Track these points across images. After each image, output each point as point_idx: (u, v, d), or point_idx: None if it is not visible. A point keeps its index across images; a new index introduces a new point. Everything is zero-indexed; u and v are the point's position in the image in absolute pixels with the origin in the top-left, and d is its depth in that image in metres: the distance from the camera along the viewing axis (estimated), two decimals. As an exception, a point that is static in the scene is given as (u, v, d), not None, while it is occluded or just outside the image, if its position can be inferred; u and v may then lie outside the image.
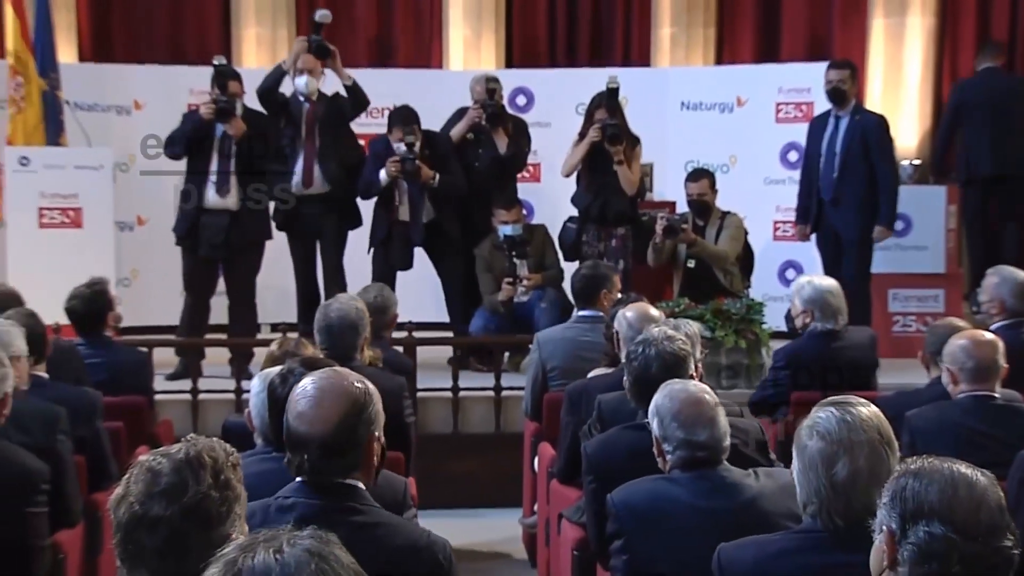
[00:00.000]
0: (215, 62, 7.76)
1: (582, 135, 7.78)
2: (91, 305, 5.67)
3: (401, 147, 7.55)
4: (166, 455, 2.28)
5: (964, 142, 9.13)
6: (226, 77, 7.64)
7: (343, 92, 7.93)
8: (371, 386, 2.87)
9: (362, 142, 8.19)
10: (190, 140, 7.62)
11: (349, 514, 2.69)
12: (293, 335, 5.28)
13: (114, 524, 2.25)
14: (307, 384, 2.82)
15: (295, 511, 2.70)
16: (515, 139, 8.09)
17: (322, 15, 7.88)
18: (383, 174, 7.64)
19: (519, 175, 8.40)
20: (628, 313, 4.84)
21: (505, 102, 8.63)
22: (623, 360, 4.19)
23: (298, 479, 2.78)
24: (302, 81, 7.76)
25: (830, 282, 5.76)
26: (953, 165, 9.58)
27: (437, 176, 7.69)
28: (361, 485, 2.79)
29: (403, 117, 7.71)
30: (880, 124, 7.91)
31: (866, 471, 2.66)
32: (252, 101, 7.84)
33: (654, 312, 4.91)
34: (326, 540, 1.72)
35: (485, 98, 7.98)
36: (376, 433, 2.83)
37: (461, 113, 8.11)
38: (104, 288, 5.79)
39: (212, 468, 2.26)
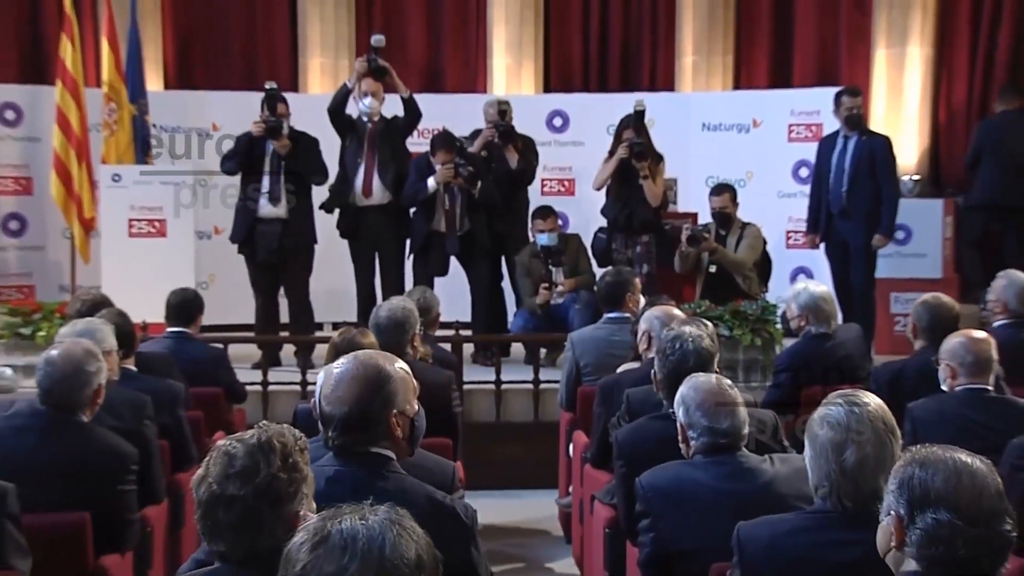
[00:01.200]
0: (266, 86, 7.82)
1: (612, 152, 7.81)
2: (186, 301, 5.76)
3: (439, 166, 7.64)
4: (241, 440, 2.30)
5: (982, 175, 9.12)
6: (275, 100, 7.70)
7: (400, 114, 7.96)
8: (389, 369, 2.83)
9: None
10: (242, 157, 7.69)
11: (377, 479, 2.69)
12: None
13: (196, 502, 2.28)
14: (332, 369, 2.83)
15: (328, 475, 2.70)
16: (524, 155, 8.14)
17: (377, 39, 7.98)
18: (432, 181, 7.68)
19: (555, 190, 8.42)
20: (657, 313, 4.84)
21: (542, 123, 8.68)
22: (654, 355, 4.16)
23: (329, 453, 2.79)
24: (366, 103, 7.83)
25: (823, 289, 5.74)
26: (952, 183, 9.69)
27: (479, 185, 7.74)
28: (390, 454, 2.78)
29: (446, 141, 7.77)
30: (885, 144, 7.92)
31: (872, 458, 2.66)
32: (303, 123, 7.88)
33: (679, 313, 4.90)
34: (402, 513, 1.75)
35: (497, 119, 8.02)
36: (395, 410, 2.79)
37: (476, 133, 8.15)
38: (198, 294, 5.92)
39: (281, 452, 2.27)
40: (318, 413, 2.81)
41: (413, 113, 7.99)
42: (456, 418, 4.90)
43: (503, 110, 8.09)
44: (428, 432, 3.03)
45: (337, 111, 7.90)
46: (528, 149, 8.24)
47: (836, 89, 8.32)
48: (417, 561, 1.68)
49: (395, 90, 7.96)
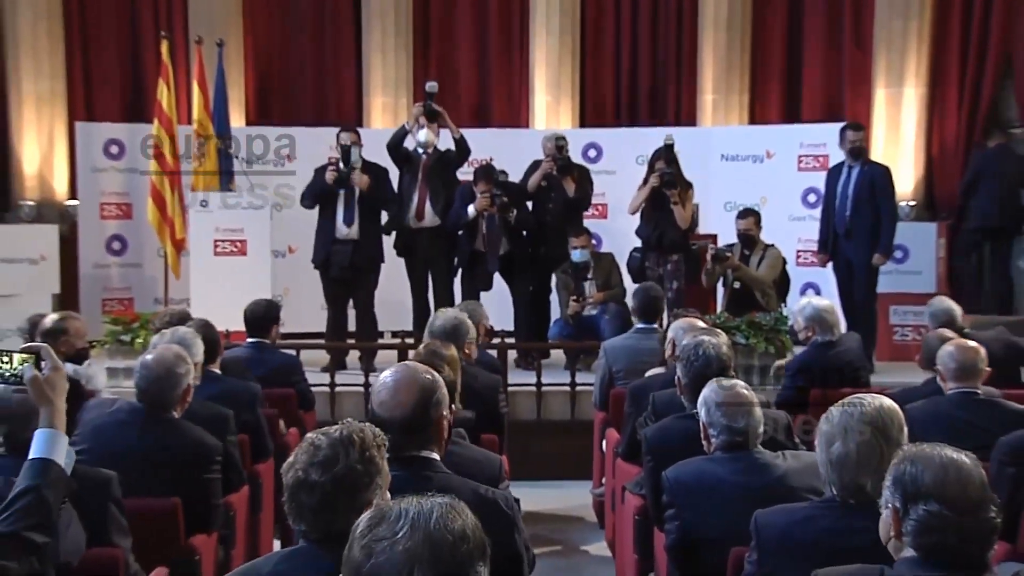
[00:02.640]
0: (341, 141, 7.79)
1: (645, 180, 7.83)
2: (260, 314, 5.78)
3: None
4: (326, 434, 2.29)
5: (978, 200, 9.23)
6: (348, 153, 7.71)
7: (452, 149, 8.00)
8: (437, 375, 2.81)
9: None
10: (317, 197, 7.77)
11: (426, 480, 2.64)
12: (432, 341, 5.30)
13: (284, 485, 2.28)
14: (386, 377, 2.77)
15: None
16: (581, 184, 8.11)
17: (431, 87, 8.01)
18: (471, 208, 7.72)
19: (588, 213, 8.42)
20: (682, 324, 4.83)
21: (578, 154, 8.67)
22: (678, 360, 4.15)
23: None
24: (422, 134, 7.87)
25: (826, 303, 5.72)
26: (945, 208, 9.70)
27: (514, 212, 7.75)
28: (435, 455, 2.74)
29: (486, 172, 7.82)
30: (885, 173, 7.89)
31: (854, 454, 2.65)
32: (367, 155, 7.91)
33: (702, 324, 4.89)
34: (456, 499, 1.75)
35: (555, 152, 8.01)
36: (444, 412, 2.77)
37: (536, 164, 8.14)
38: (275, 305, 5.95)
39: (360, 446, 2.26)
40: (371, 419, 2.72)
41: (463, 152, 8.01)
42: (503, 418, 4.91)
43: (560, 145, 8.04)
44: (478, 429, 3.02)
45: (396, 147, 7.94)
46: (584, 178, 8.20)
47: (841, 124, 8.29)
48: (462, 533, 1.68)
49: (448, 129, 7.98)
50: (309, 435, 2.32)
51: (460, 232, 7.93)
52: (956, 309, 5.74)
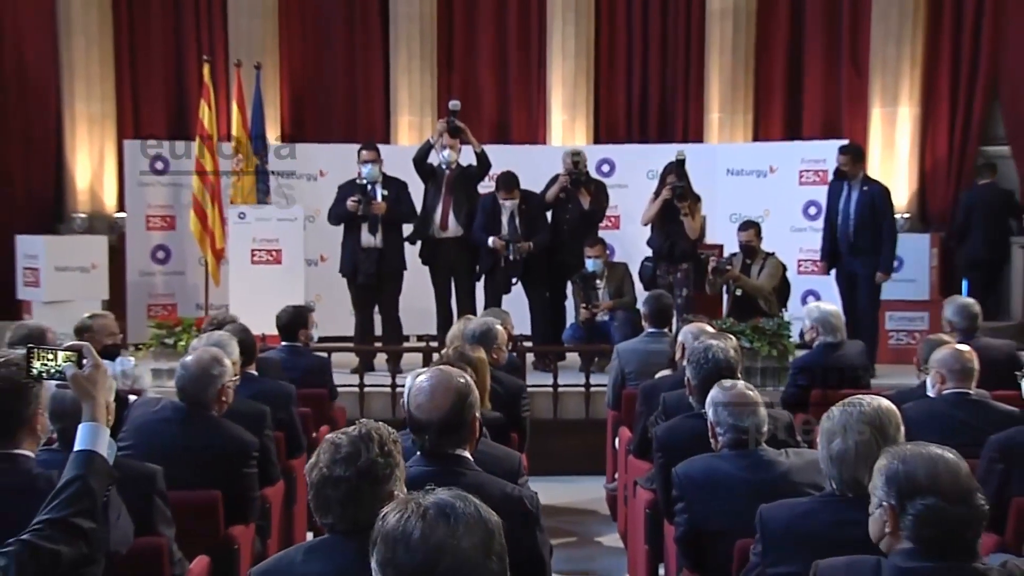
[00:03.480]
0: (361, 177, 7.71)
1: (657, 193, 7.80)
2: (289, 319, 5.78)
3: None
4: (344, 433, 2.31)
5: (972, 239, 9.43)
6: (366, 194, 7.65)
7: (473, 162, 8.00)
8: (470, 379, 2.83)
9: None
10: (342, 217, 7.77)
11: (457, 476, 2.66)
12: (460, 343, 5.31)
13: (308, 484, 2.29)
14: (422, 381, 2.78)
15: (413, 472, 2.67)
16: (596, 197, 8.09)
17: (454, 105, 8.02)
18: (490, 242, 7.72)
19: (603, 224, 8.40)
20: (692, 329, 4.81)
21: (592, 169, 8.65)
22: (687, 363, 4.13)
23: (418, 452, 2.77)
24: (445, 155, 7.88)
25: (832, 307, 5.70)
26: (936, 220, 9.80)
27: (531, 244, 7.75)
28: (467, 454, 2.76)
29: (508, 181, 7.79)
30: (884, 192, 7.83)
31: (853, 451, 2.64)
32: (394, 170, 7.93)
33: (710, 329, 4.87)
34: (467, 494, 1.75)
35: (571, 167, 7.99)
36: (476, 413, 2.78)
37: (555, 179, 8.14)
38: (301, 309, 5.92)
39: (379, 441, 2.28)
40: (409, 421, 2.77)
41: (484, 165, 8.01)
42: (525, 421, 4.90)
43: (576, 160, 8.01)
44: (503, 428, 3.02)
45: (421, 161, 7.95)
46: (600, 192, 8.16)
47: (839, 142, 8.29)
48: (498, 522, 1.70)
49: (471, 144, 7.99)
50: (328, 436, 2.33)
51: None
52: (979, 309, 5.66)
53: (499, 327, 4.94)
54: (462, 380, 2.78)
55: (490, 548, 1.66)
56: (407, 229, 8.02)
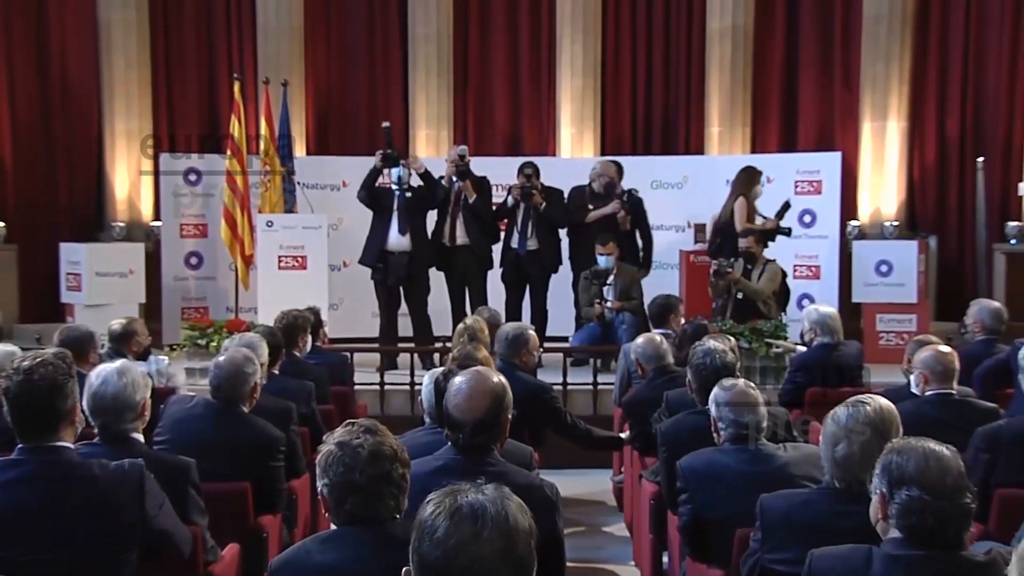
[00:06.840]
0: (383, 124, 7.88)
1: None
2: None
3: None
4: (348, 432, 2.29)
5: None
6: (389, 136, 7.80)
7: (489, 177, 8.03)
8: (504, 381, 2.84)
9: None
10: (368, 185, 7.76)
11: (485, 466, 2.68)
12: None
13: (324, 485, 2.27)
14: (460, 382, 2.80)
15: (442, 463, 2.72)
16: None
17: (461, 150, 7.95)
18: (510, 199, 7.85)
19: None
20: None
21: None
22: (689, 365, 4.12)
23: (448, 444, 2.78)
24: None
25: (832, 310, 5.67)
26: (924, 227, 9.69)
27: (544, 204, 7.77)
28: (495, 448, 2.79)
29: (523, 166, 7.99)
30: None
31: (857, 454, 2.62)
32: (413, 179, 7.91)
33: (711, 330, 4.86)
34: (507, 491, 1.70)
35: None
36: (508, 415, 2.81)
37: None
38: (303, 317, 5.55)
39: (380, 432, 2.29)
40: (447, 419, 2.78)
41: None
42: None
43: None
44: (514, 426, 3.01)
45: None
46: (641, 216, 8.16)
47: (832, 154, 8.26)
48: (529, 529, 1.65)
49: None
50: (331, 438, 2.30)
51: (501, 234, 8.00)
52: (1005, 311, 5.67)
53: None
54: (497, 382, 2.80)
55: (510, 555, 1.61)
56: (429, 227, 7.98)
